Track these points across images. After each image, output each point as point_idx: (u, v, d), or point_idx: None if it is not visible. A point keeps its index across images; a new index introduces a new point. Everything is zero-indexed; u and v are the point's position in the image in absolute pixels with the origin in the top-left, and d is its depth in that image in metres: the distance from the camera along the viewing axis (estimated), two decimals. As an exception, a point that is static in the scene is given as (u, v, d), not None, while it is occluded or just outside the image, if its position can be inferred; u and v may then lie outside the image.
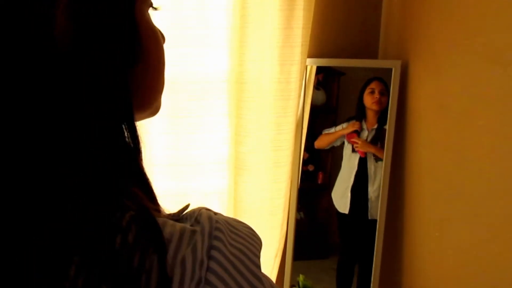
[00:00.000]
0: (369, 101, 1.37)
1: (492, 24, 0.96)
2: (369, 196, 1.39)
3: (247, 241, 0.36)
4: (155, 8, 0.45)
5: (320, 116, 1.45)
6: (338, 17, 1.41)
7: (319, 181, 1.50)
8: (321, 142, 1.43)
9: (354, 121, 1.40)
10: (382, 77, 1.36)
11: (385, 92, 1.35)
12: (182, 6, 1.19)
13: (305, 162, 1.45)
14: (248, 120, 1.28)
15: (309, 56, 1.35)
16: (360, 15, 1.44)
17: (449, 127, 1.12)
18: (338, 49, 1.42)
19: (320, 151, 1.46)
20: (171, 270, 0.31)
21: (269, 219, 1.36)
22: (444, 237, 1.14)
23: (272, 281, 0.38)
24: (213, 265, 0.32)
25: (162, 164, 1.26)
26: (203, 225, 0.34)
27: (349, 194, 1.42)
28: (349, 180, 1.42)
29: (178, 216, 0.39)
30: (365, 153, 1.39)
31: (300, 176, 1.43)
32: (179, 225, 0.34)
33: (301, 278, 1.44)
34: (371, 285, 1.38)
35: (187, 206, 0.41)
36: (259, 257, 0.36)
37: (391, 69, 1.32)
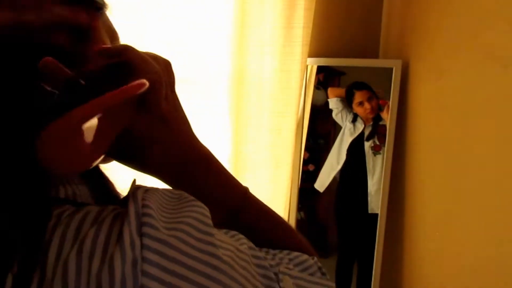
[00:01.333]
0: (362, 112, 1.38)
1: (493, 23, 0.96)
2: (368, 190, 1.39)
3: (187, 208, 0.33)
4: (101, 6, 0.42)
5: (320, 116, 1.45)
6: (339, 16, 1.41)
7: (319, 181, 1.50)
8: (331, 92, 1.41)
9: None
10: (364, 82, 1.36)
11: (372, 96, 1.35)
12: (182, 6, 1.19)
13: (306, 162, 1.45)
14: (248, 119, 1.28)
15: (310, 56, 1.35)
16: (361, 15, 1.43)
17: (449, 126, 1.12)
18: (339, 48, 1.41)
19: (321, 151, 1.45)
20: (98, 272, 0.28)
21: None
22: (444, 236, 1.14)
23: (237, 238, 0.35)
24: (147, 241, 0.29)
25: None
26: (132, 204, 0.31)
27: (330, 178, 1.41)
28: (335, 165, 1.42)
29: (126, 198, 0.36)
30: (356, 152, 1.37)
31: (301, 176, 1.43)
32: (94, 210, 0.33)
33: (301, 278, 1.43)
34: (372, 283, 1.37)
35: (134, 181, 0.38)
36: (206, 221, 0.33)
37: (391, 69, 1.32)
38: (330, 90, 1.40)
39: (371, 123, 1.37)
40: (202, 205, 0.34)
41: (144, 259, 0.28)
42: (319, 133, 1.43)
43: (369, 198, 1.39)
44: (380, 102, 1.36)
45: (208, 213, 0.33)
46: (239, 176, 1.31)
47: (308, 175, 1.46)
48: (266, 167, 1.32)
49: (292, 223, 1.42)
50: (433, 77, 1.19)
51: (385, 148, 1.34)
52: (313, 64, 1.38)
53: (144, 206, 0.31)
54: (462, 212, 1.07)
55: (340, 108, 1.40)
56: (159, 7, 1.15)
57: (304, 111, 1.40)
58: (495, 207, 0.96)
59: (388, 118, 1.33)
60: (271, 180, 1.33)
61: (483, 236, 1.00)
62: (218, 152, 1.30)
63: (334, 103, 1.40)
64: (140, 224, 0.30)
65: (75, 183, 0.38)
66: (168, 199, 0.34)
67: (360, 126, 1.39)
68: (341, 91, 1.39)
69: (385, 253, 1.38)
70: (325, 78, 1.43)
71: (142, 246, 0.29)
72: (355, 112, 1.38)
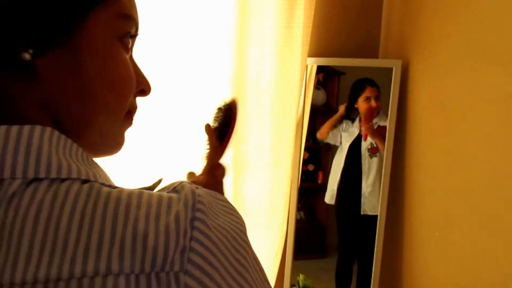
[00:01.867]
0: (365, 109, 1.37)
1: (492, 24, 0.96)
2: (362, 192, 1.39)
3: (230, 217, 0.38)
4: (133, 36, 0.45)
5: (320, 116, 1.45)
6: (339, 16, 1.41)
7: (319, 181, 1.50)
8: (322, 131, 1.43)
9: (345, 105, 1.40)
10: (374, 80, 1.36)
11: (379, 95, 1.36)
12: (182, 6, 1.19)
13: (305, 162, 1.45)
14: (248, 119, 1.28)
15: (310, 56, 1.35)
16: (361, 15, 1.43)
17: (449, 126, 1.12)
18: (339, 48, 1.41)
19: (320, 150, 1.45)
20: (156, 236, 0.32)
21: (269, 219, 1.36)
22: (444, 236, 1.14)
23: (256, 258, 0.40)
24: (197, 234, 0.33)
25: (162, 164, 1.26)
26: (186, 197, 0.35)
27: (335, 187, 1.42)
28: (337, 174, 1.42)
29: (152, 189, 0.39)
30: (355, 152, 1.38)
31: (300, 176, 1.43)
32: (155, 193, 0.36)
33: (301, 277, 1.44)
34: (371, 283, 1.38)
35: (160, 181, 0.42)
36: (244, 233, 0.38)
37: (391, 69, 1.32)
38: (320, 132, 1.42)
39: (370, 124, 1.37)
40: (243, 220, 0.39)
41: (191, 249, 0.33)
42: (330, 119, 1.43)
43: (362, 200, 1.39)
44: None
45: (245, 229, 0.39)
46: (238, 175, 1.31)
47: (307, 175, 1.46)
48: (266, 166, 1.32)
49: (292, 222, 1.42)
50: (433, 77, 1.19)
51: (385, 148, 1.34)
52: (313, 63, 1.38)
53: (198, 202, 0.35)
54: (461, 213, 1.07)
55: (338, 136, 1.41)
56: (159, 7, 1.15)
57: (304, 110, 1.40)
58: (494, 207, 0.96)
59: (388, 117, 1.33)
60: (271, 179, 1.33)
61: (482, 236, 1.00)
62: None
63: (331, 138, 1.42)
64: (193, 218, 0.34)
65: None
66: (215, 201, 0.38)
67: (356, 130, 1.39)
68: (329, 124, 1.41)
69: (385, 253, 1.38)
70: (325, 78, 1.43)
71: (192, 237, 0.33)
72: (356, 107, 1.38)
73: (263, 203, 1.33)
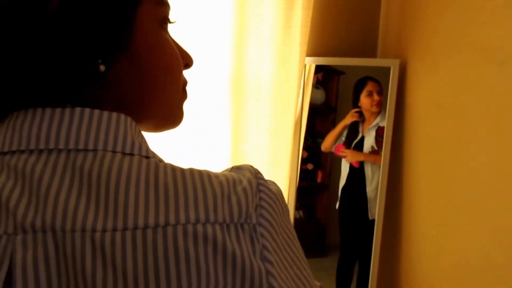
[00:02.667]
0: (368, 103, 1.37)
1: (488, 22, 0.96)
2: (368, 196, 1.39)
3: (275, 185, 0.47)
4: (171, 22, 0.50)
5: (319, 115, 1.45)
6: (337, 16, 1.42)
7: (318, 180, 1.50)
8: (326, 143, 1.44)
9: (353, 112, 1.40)
10: (374, 76, 1.37)
11: (381, 91, 1.36)
12: (182, 5, 1.19)
13: (304, 161, 1.45)
14: (247, 118, 1.29)
15: (308, 55, 1.36)
16: (359, 14, 1.44)
17: (447, 125, 1.12)
18: (337, 48, 1.42)
19: (319, 149, 1.46)
20: (238, 195, 0.40)
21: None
22: (441, 236, 1.14)
23: None
24: (263, 195, 0.42)
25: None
26: (248, 169, 0.44)
27: (339, 193, 1.42)
28: (343, 179, 1.43)
29: None
30: (359, 162, 1.39)
31: (299, 175, 1.43)
32: (225, 172, 0.44)
33: (300, 276, 1.44)
34: (369, 283, 1.38)
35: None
36: (282, 199, 0.45)
37: (389, 68, 1.33)
38: (324, 145, 1.45)
39: (373, 124, 1.37)
40: (281, 190, 0.47)
41: (261, 206, 0.41)
42: (317, 132, 1.44)
43: (368, 205, 1.39)
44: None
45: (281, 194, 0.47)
46: (238, 175, 1.32)
47: (306, 174, 1.47)
48: (264, 166, 1.33)
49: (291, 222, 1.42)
50: (430, 76, 1.20)
51: (383, 148, 1.35)
52: (311, 63, 1.39)
53: (257, 172, 0.44)
54: (459, 212, 1.07)
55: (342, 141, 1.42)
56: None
57: (302, 110, 1.40)
58: (492, 209, 0.96)
59: (386, 116, 1.34)
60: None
61: (480, 238, 1.00)
62: (218, 151, 1.30)
63: None
64: (258, 184, 0.42)
65: None
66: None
67: (359, 132, 1.40)
68: (332, 137, 1.44)
69: (383, 254, 1.38)
70: (324, 77, 1.43)
71: (260, 198, 0.42)
72: (359, 105, 1.39)
73: (262, 202, 1.33)
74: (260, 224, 0.40)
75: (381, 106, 1.36)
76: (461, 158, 1.06)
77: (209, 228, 0.37)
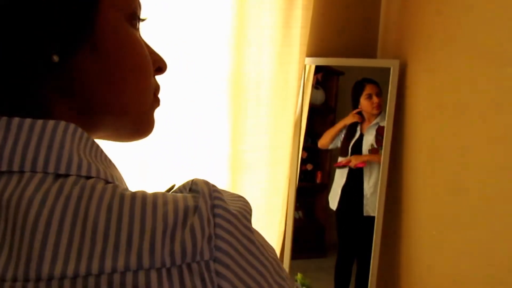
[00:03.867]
0: (369, 106, 1.38)
1: (488, 24, 0.97)
2: (364, 193, 1.39)
3: (240, 200, 0.39)
4: (142, 20, 0.45)
5: (319, 116, 1.45)
6: (337, 16, 1.42)
7: (318, 180, 1.50)
8: (323, 140, 1.44)
9: (354, 112, 1.40)
10: (372, 78, 1.37)
11: (380, 93, 1.36)
12: (181, 6, 1.19)
13: (304, 161, 1.45)
14: (246, 119, 1.29)
15: (308, 56, 1.36)
16: (359, 15, 1.44)
17: (446, 125, 1.12)
18: (337, 48, 1.42)
19: (319, 150, 1.46)
20: (183, 228, 0.33)
21: (268, 218, 1.36)
22: (441, 236, 1.14)
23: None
24: (219, 220, 0.34)
25: (162, 164, 1.26)
26: (203, 189, 0.36)
27: (339, 191, 1.42)
28: (342, 179, 1.43)
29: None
30: (365, 162, 1.40)
31: (299, 175, 1.44)
32: (179, 194, 0.37)
33: (299, 276, 1.44)
34: (369, 283, 1.38)
35: (173, 187, 0.42)
36: (250, 216, 0.39)
37: (389, 69, 1.33)
38: (321, 142, 1.44)
39: (373, 123, 1.38)
40: (249, 203, 0.41)
41: (217, 236, 0.34)
42: (317, 132, 1.44)
43: (364, 201, 1.40)
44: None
45: (250, 207, 0.40)
46: (237, 175, 1.32)
47: (306, 175, 1.47)
48: (264, 166, 1.33)
49: (290, 222, 1.42)
50: (430, 77, 1.20)
51: (382, 148, 1.35)
52: (311, 63, 1.39)
53: (214, 190, 0.37)
54: (458, 212, 1.07)
55: (339, 141, 1.42)
56: (157, 7, 1.15)
57: (302, 110, 1.40)
58: (492, 207, 0.96)
59: (386, 117, 1.34)
60: (269, 179, 1.33)
61: (479, 236, 1.00)
62: (217, 151, 1.30)
63: (333, 145, 1.43)
64: (212, 205, 0.35)
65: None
66: (224, 190, 0.40)
67: (358, 131, 1.40)
68: (330, 134, 1.43)
69: (382, 253, 1.39)
70: (324, 78, 1.43)
71: (215, 224, 0.34)
72: (360, 108, 1.39)
73: (262, 203, 1.34)
74: (216, 260, 0.33)
75: (381, 108, 1.36)
76: (460, 159, 1.06)
77: (142, 277, 0.31)
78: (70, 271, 0.30)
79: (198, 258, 0.32)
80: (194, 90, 1.25)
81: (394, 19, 1.40)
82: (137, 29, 0.44)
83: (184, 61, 1.22)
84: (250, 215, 0.39)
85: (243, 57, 1.25)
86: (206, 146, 1.29)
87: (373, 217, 1.38)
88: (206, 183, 0.38)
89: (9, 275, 0.30)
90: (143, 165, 1.23)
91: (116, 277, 0.31)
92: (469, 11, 1.03)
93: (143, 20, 0.46)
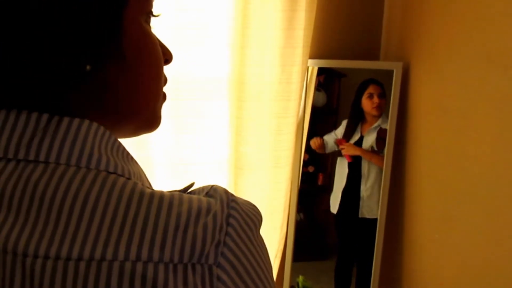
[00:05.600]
0: (369, 106, 1.37)
1: (493, 26, 0.96)
2: (361, 195, 1.39)
3: (254, 215, 0.40)
4: (155, 16, 0.47)
5: (321, 118, 1.45)
6: (340, 18, 1.41)
7: (319, 183, 1.50)
8: (317, 148, 1.44)
9: (312, 140, 1.40)
10: (377, 79, 1.36)
11: (383, 94, 1.36)
12: (183, 6, 1.19)
13: (306, 164, 1.45)
14: (248, 120, 1.28)
15: (311, 57, 1.35)
16: (362, 17, 1.44)
17: (449, 128, 1.12)
18: (340, 50, 1.42)
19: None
20: (195, 228, 0.35)
21: (269, 220, 1.36)
22: (444, 239, 1.14)
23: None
24: (231, 230, 0.36)
25: (162, 164, 1.26)
26: (222, 196, 0.38)
27: (339, 195, 1.42)
28: (341, 182, 1.42)
29: (184, 192, 0.41)
30: (352, 157, 1.39)
31: (300, 177, 1.43)
32: (195, 197, 0.38)
33: (300, 279, 1.44)
34: (371, 285, 1.38)
35: (192, 184, 0.44)
36: (259, 228, 0.41)
37: (392, 71, 1.32)
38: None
39: (374, 126, 1.37)
40: (260, 214, 0.42)
41: (225, 244, 0.35)
42: (319, 134, 1.44)
43: (360, 203, 1.39)
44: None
45: (261, 221, 0.42)
46: (238, 176, 1.32)
47: (307, 177, 1.47)
48: (266, 168, 1.32)
49: (292, 224, 1.42)
50: (433, 79, 1.19)
51: (385, 150, 1.34)
52: (313, 65, 1.38)
53: (232, 201, 0.38)
54: (461, 215, 1.07)
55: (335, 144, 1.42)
56: (160, 8, 1.15)
57: (304, 112, 1.40)
58: (495, 210, 0.96)
59: (389, 119, 1.33)
60: (270, 181, 1.33)
61: (482, 239, 1.00)
62: (218, 152, 1.30)
63: (329, 147, 1.43)
64: (228, 215, 0.37)
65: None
66: (243, 201, 0.41)
67: (358, 133, 1.39)
68: (316, 140, 1.42)
69: (384, 257, 1.38)
70: (326, 80, 1.43)
71: (226, 233, 0.36)
72: (361, 107, 1.38)
73: (263, 205, 1.33)
74: (219, 265, 0.35)
75: (381, 110, 1.36)
76: (464, 162, 1.06)
77: (150, 268, 0.33)
78: (86, 254, 0.32)
79: (203, 260, 0.34)
80: (196, 91, 1.25)
81: (397, 22, 1.40)
82: (150, 25, 0.46)
83: (186, 62, 1.22)
84: (260, 226, 0.41)
85: (245, 58, 1.24)
86: (207, 147, 1.29)
87: (369, 220, 1.37)
88: (226, 192, 0.39)
89: (31, 250, 0.32)
90: (143, 166, 1.22)
91: (128, 265, 0.33)
92: (473, 13, 1.03)
93: (156, 16, 0.47)
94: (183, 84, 1.23)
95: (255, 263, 0.37)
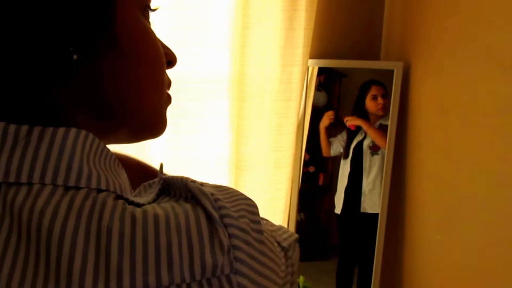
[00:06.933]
0: (374, 107, 1.37)
1: (493, 26, 0.96)
2: (362, 189, 1.39)
3: (245, 202, 0.38)
4: (153, 10, 0.44)
5: (321, 118, 1.45)
6: (340, 18, 1.41)
7: (320, 183, 1.50)
8: (323, 150, 1.44)
9: (328, 113, 1.40)
10: (379, 80, 1.36)
11: (386, 95, 1.36)
12: (184, 6, 1.19)
13: (306, 164, 1.45)
14: (249, 120, 1.28)
15: (311, 57, 1.35)
16: (362, 17, 1.43)
17: (450, 127, 1.11)
18: (340, 50, 1.41)
19: (321, 152, 1.45)
20: (201, 242, 0.32)
21: (270, 220, 1.36)
22: (445, 239, 1.14)
23: (276, 227, 0.41)
24: (231, 230, 0.34)
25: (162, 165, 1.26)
26: (203, 201, 0.35)
27: (342, 195, 1.42)
28: (344, 182, 1.42)
29: (160, 180, 0.39)
30: (355, 126, 1.39)
31: (301, 178, 1.43)
32: (184, 205, 0.35)
33: (301, 279, 1.43)
34: (372, 284, 1.37)
35: (161, 166, 0.42)
36: (258, 211, 0.38)
37: (393, 71, 1.32)
38: (323, 152, 1.43)
39: (376, 124, 1.37)
40: (251, 201, 0.39)
41: (234, 247, 0.33)
42: (319, 134, 1.43)
43: (362, 198, 1.39)
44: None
45: (255, 205, 0.39)
46: (239, 176, 1.31)
47: (308, 177, 1.46)
48: (266, 168, 1.32)
49: (293, 224, 1.42)
50: (434, 79, 1.19)
51: (386, 150, 1.34)
52: (314, 65, 1.38)
53: (216, 200, 0.35)
54: (462, 213, 1.07)
55: (340, 146, 1.42)
56: (161, 9, 1.15)
57: (305, 112, 1.40)
58: (496, 207, 0.96)
59: (389, 119, 1.33)
60: (271, 181, 1.33)
61: (484, 237, 0.99)
62: (219, 152, 1.30)
63: (334, 150, 1.43)
64: (221, 216, 0.34)
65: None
66: (220, 192, 0.38)
67: (360, 135, 1.39)
68: (323, 142, 1.42)
69: (385, 254, 1.38)
70: (326, 79, 1.43)
71: (230, 235, 0.33)
72: (365, 108, 1.38)
73: (264, 204, 1.33)
74: (236, 272, 0.32)
75: (386, 110, 1.36)
76: (465, 162, 1.06)
77: None
78: None
79: (218, 273, 0.32)
80: (196, 91, 1.25)
81: (397, 21, 1.39)
82: (149, 21, 0.43)
83: (186, 62, 1.22)
84: (257, 210, 0.38)
85: (245, 58, 1.24)
86: (207, 147, 1.29)
87: (372, 215, 1.37)
88: (204, 193, 0.36)
89: None
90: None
91: None
92: (473, 13, 1.02)
93: (154, 10, 0.44)
94: (183, 84, 1.23)
95: (266, 249, 0.36)
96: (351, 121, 1.39)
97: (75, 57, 0.34)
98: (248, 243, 0.34)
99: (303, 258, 1.48)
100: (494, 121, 0.96)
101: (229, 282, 0.32)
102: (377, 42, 1.46)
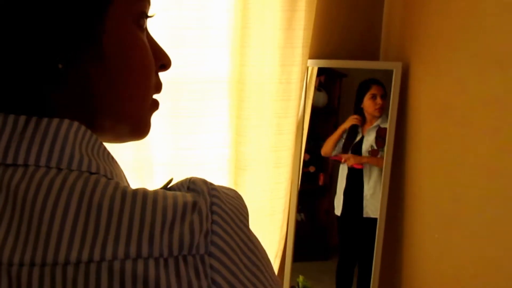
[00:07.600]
0: (372, 107, 1.37)
1: (492, 26, 0.96)
2: (364, 194, 1.39)
3: (235, 199, 0.41)
4: (149, 16, 0.45)
5: (321, 118, 1.45)
6: (340, 18, 1.42)
7: (320, 183, 1.50)
8: (326, 148, 1.43)
9: (353, 116, 1.40)
10: (379, 79, 1.36)
11: (385, 95, 1.36)
12: (183, 6, 1.19)
13: (306, 164, 1.45)
14: (248, 120, 1.28)
15: (311, 58, 1.36)
16: (362, 17, 1.44)
17: (449, 128, 1.12)
18: (340, 50, 1.42)
19: (321, 152, 1.46)
20: (182, 222, 0.34)
21: (269, 220, 1.36)
22: (444, 239, 1.14)
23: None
24: (216, 217, 0.36)
25: (162, 164, 1.26)
26: (202, 187, 0.38)
27: (342, 196, 1.42)
28: (343, 183, 1.43)
29: (165, 189, 0.41)
30: (362, 164, 1.39)
31: (301, 178, 1.43)
32: (178, 193, 0.37)
33: (300, 279, 1.44)
34: (371, 284, 1.37)
35: (171, 180, 0.44)
36: (247, 214, 0.41)
37: (392, 71, 1.33)
38: (324, 150, 1.43)
39: (374, 125, 1.37)
40: (243, 202, 0.42)
41: (213, 232, 0.35)
42: (319, 134, 1.44)
43: (364, 202, 1.39)
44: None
45: (246, 209, 0.42)
46: (239, 176, 1.32)
47: (308, 177, 1.46)
48: (266, 168, 1.32)
49: (292, 224, 1.42)
50: (433, 79, 1.19)
51: (385, 150, 1.34)
52: (313, 65, 1.39)
53: (212, 189, 0.38)
54: (461, 215, 1.07)
55: (341, 147, 1.42)
56: (160, 7, 1.16)
57: (304, 112, 1.40)
58: (495, 209, 0.96)
59: (388, 119, 1.33)
60: (271, 181, 1.33)
61: (482, 239, 1.00)
62: (218, 152, 1.30)
63: (336, 152, 1.42)
64: (211, 203, 0.37)
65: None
66: (224, 189, 0.41)
67: (359, 135, 1.39)
68: (332, 141, 1.42)
69: (384, 256, 1.38)
70: (326, 80, 1.43)
71: (213, 221, 0.36)
72: (361, 107, 1.38)
73: (263, 204, 1.33)
74: (211, 254, 0.34)
75: (383, 111, 1.36)
76: (463, 161, 1.06)
77: (140, 265, 0.32)
78: (73, 258, 0.32)
79: (194, 251, 0.34)
80: (196, 91, 1.25)
81: (397, 21, 1.40)
82: (145, 28, 0.45)
83: (186, 62, 1.22)
84: (247, 213, 0.41)
85: (245, 58, 1.24)
86: (207, 147, 1.29)
87: (373, 219, 1.37)
88: (204, 182, 0.39)
89: (16, 259, 0.32)
90: (143, 166, 1.22)
91: (116, 264, 0.32)
92: (472, 13, 1.03)
93: (150, 16, 0.45)
94: (183, 84, 1.23)
95: (247, 248, 0.37)
96: (354, 162, 1.40)
97: (60, 66, 0.37)
98: (228, 234, 0.36)
99: (303, 258, 1.50)
100: (493, 122, 0.96)
101: (203, 262, 0.34)
102: (377, 42, 1.46)
